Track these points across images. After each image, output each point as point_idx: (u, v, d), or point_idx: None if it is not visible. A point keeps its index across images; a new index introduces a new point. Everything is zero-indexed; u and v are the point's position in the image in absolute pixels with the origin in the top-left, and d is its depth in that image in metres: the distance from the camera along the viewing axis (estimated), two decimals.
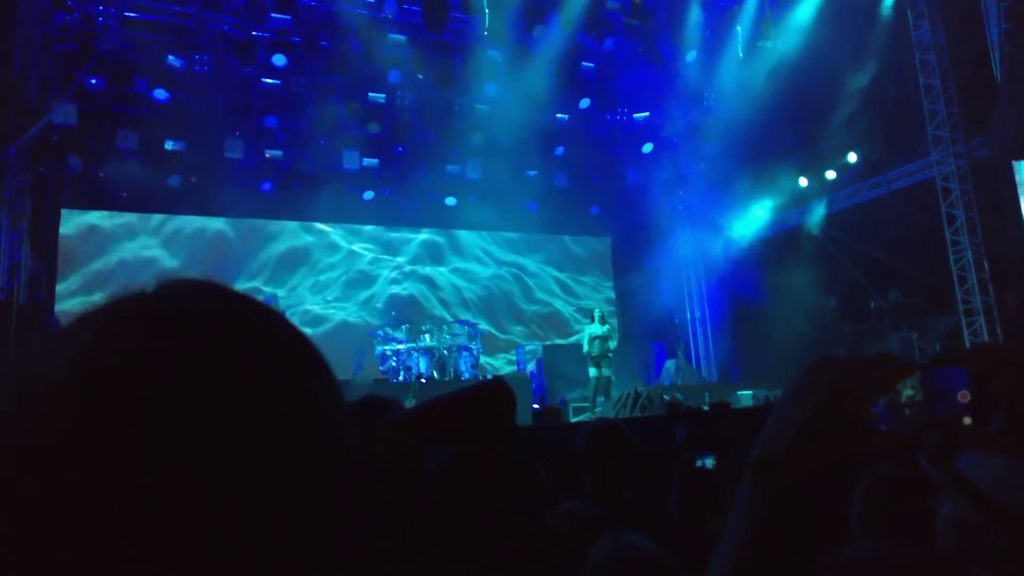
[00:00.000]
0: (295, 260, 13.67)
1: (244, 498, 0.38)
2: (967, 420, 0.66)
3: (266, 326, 0.45)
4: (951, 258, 11.37)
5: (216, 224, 13.26)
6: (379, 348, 12.08)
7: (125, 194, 12.36)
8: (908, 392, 0.67)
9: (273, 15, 11.15)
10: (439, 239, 14.95)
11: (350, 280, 13.89)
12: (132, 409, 0.37)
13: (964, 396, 0.66)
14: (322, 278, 13.73)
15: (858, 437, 0.65)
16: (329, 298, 13.61)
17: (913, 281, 11.77)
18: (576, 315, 15.34)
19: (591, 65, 12.74)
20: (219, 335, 0.42)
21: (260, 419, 0.40)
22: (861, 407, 0.65)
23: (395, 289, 14.28)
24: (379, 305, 13.62)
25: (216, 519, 0.37)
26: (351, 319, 13.59)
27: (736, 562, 0.66)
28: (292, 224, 13.74)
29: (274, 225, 13.63)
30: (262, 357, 0.43)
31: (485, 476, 0.97)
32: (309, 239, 13.87)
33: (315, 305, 13.52)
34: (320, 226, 13.98)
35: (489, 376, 13.00)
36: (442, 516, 0.96)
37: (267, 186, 12.85)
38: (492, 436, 0.97)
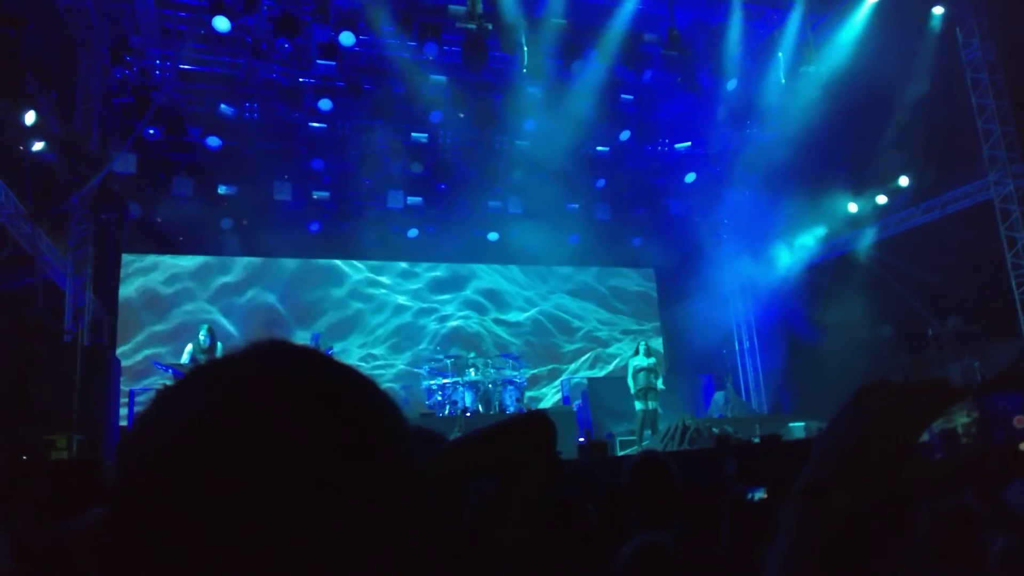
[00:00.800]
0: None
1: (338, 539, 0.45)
2: (1023, 446, 0.62)
3: (359, 390, 0.52)
4: (1012, 282, 10.94)
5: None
6: (425, 383, 12.18)
7: (181, 238, 12.83)
8: (963, 420, 0.65)
9: (318, 62, 11.52)
10: (480, 274, 15.05)
11: (398, 339, 13.99)
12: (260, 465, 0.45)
13: (1020, 421, 0.63)
14: (370, 338, 13.92)
15: (908, 465, 0.63)
16: (377, 354, 13.76)
17: (973, 307, 11.34)
18: (621, 348, 15.19)
19: (630, 97, 12.76)
20: (324, 401, 0.49)
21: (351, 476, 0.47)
22: (910, 434, 0.64)
23: (440, 327, 14.39)
24: (426, 349, 13.74)
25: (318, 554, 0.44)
26: (400, 366, 13.77)
27: None
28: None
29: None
30: (353, 424, 0.49)
31: (527, 507, 1.00)
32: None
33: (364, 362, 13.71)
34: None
35: (533, 409, 12.96)
36: (486, 547, 0.99)
37: (315, 226, 13.18)
38: (533, 467, 1.01)
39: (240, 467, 0.44)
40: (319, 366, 0.51)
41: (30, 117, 9.66)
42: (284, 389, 0.48)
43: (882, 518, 0.63)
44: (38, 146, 10.16)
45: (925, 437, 0.65)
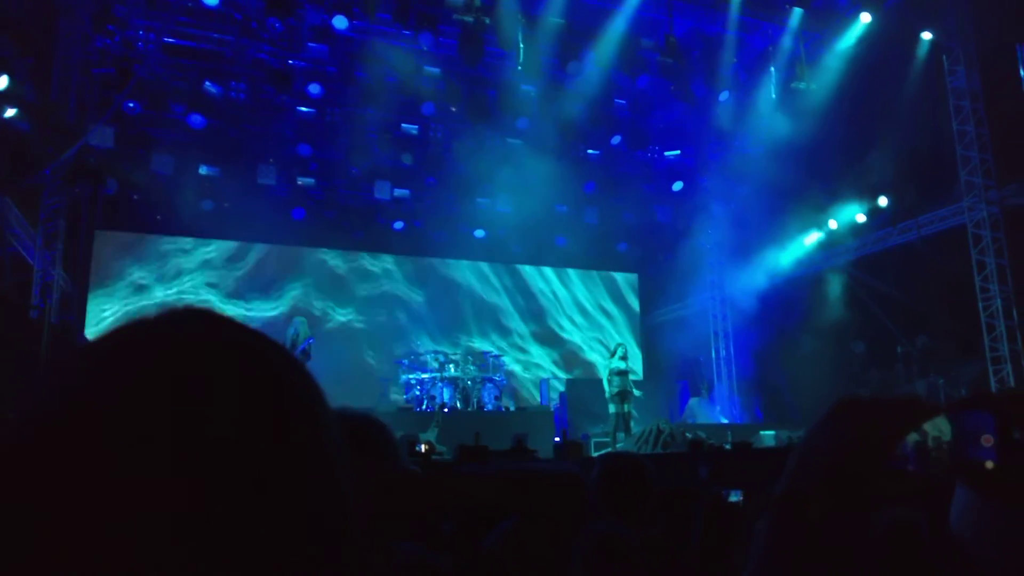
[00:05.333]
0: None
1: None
2: (989, 465, 0.65)
3: (253, 353, 0.51)
4: (980, 305, 11.32)
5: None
6: (404, 377, 12.10)
7: (159, 217, 12.46)
8: (936, 435, 0.66)
9: (310, 45, 11.27)
10: (467, 270, 14.98)
11: (378, 332, 13.81)
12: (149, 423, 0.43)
13: (988, 440, 0.66)
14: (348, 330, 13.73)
15: (883, 478, 0.66)
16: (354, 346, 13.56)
17: (942, 327, 11.72)
18: (601, 350, 15.31)
19: (624, 102, 12.79)
20: (219, 361, 0.48)
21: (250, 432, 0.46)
22: (885, 448, 0.66)
23: (423, 318, 14.29)
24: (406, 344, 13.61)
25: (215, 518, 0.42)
26: (377, 348, 13.59)
27: None
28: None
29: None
30: (251, 385, 0.48)
31: (547, 546, 1.08)
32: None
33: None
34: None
35: (512, 409, 12.97)
36: (502, 571, 1.06)
37: (299, 213, 12.93)
38: (561, 518, 1.08)
39: (120, 431, 0.43)
40: (226, 330, 0.50)
41: (3, 82, 9.27)
42: (188, 350, 0.47)
43: (843, 523, 0.67)
44: (10, 113, 9.75)
45: (899, 451, 0.68)
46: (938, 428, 0.66)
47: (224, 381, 0.46)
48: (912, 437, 0.66)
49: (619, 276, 16.19)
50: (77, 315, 11.54)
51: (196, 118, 11.46)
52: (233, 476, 0.44)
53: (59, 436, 0.43)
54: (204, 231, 12.70)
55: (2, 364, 7.69)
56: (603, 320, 15.91)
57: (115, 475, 0.41)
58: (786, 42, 11.84)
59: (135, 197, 12.02)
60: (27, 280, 10.57)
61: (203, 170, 11.94)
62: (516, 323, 15.14)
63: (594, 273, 15.95)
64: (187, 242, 13.07)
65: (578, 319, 15.70)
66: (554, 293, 15.63)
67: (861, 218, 12.74)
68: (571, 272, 15.75)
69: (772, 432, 10.81)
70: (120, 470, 0.42)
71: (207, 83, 11.42)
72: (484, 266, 15.05)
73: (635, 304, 16.29)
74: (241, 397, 0.46)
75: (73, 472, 0.41)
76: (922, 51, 11.80)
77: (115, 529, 0.41)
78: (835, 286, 12.77)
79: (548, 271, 15.56)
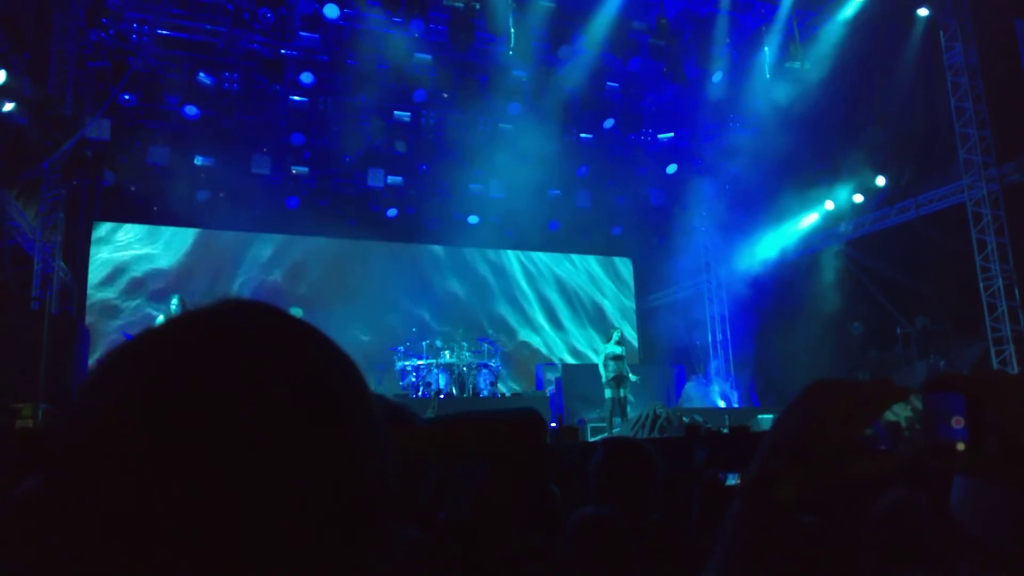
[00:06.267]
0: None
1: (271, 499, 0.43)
2: (960, 446, 0.66)
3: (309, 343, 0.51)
4: (981, 284, 11.13)
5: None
6: (399, 364, 12.16)
7: (156, 208, 12.60)
8: (908, 415, 0.67)
9: (302, 33, 11.32)
10: (461, 257, 15.01)
11: (375, 320, 13.81)
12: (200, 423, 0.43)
13: (958, 422, 0.67)
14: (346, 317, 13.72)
15: (853, 459, 0.66)
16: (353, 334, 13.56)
17: (941, 308, 11.55)
18: (595, 335, 15.28)
19: (616, 85, 12.73)
20: (277, 353, 0.48)
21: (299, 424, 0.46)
22: (854, 430, 0.67)
23: (418, 305, 14.34)
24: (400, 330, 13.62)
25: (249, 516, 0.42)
26: (370, 336, 13.64)
27: None
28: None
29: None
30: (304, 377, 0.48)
31: (512, 498, 1.03)
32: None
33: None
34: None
35: (508, 394, 13.01)
36: (465, 532, 1.02)
37: (293, 202, 13.01)
38: (523, 462, 1.04)
39: (193, 426, 0.43)
40: (282, 321, 0.51)
41: (0, 77, 9.39)
42: (245, 342, 0.48)
43: (833, 511, 0.66)
44: (8, 107, 9.89)
45: (870, 431, 0.68)
46: (911, 410, 0.67)
47: (286, 373, 0.47)
48: (885, 418, 0.67)
49: (614, 260, 16.15)
50: (76, 306, 11.71)
51: (190, 109, 11.57)
52: (295, 462, 0.45)
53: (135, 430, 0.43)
54: (200, 221, 12.82)
55: (5, 355, 7.81)
56: (597, 305, 15.88)
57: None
58: (779, 21, 11.71)
59: (132, 188, 12.16)
60: (27, 272, 10.73)
61: (198, 160, 12.07)
62: (510, 309, 15.16)
63: (588, 257, 15.91)
64: (185, 231, 13.22)
65: (571, 304, 15.68)
66: (547, 278, 15.61)
67: (858, 198, 12.58)
68: (563, 257, 15.73)
69: (770, 416, 10.74)
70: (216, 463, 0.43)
71: (200, 74, 11.53)
72: (477, 252, 15.07)
73: (630, 288, 16.23)
74: (298, 387, 0.47)
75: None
76: (918, 27, 11.61)
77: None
78: (832, 267, 12.64)
79: (541, 256, 15.54)
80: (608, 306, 15.96)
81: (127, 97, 11.31)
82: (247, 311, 0.51)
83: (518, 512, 1.05)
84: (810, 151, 12.24)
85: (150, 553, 0.40)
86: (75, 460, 0.44)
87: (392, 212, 13.60)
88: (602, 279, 16.07)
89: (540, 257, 15.57)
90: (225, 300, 0.51)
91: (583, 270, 15.97)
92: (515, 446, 1.05)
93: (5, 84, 9.51)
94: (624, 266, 16.22)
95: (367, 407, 0.51)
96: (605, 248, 15.55)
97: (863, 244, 12.59)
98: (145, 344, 0.48)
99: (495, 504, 1.04)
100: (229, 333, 0.48)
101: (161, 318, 10.04)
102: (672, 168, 13.80)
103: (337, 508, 0.45)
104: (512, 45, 11.25)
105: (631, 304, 16.14)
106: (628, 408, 10.87)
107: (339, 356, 0.52)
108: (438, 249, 14.78)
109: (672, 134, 13.55)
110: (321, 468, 0.45)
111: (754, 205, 13.11)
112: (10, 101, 9.86)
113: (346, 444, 0.48)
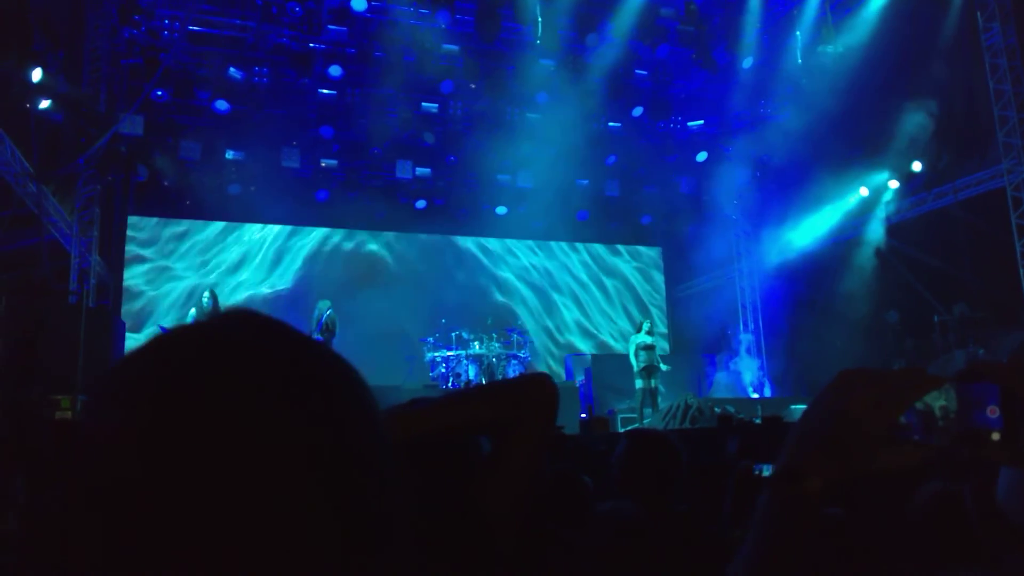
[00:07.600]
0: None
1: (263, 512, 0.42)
2: (995, 436, 0.65)
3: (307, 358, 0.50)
4: (1021, 271, 10.87)
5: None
6: (429, 355, 12.19)
7: (188, 202, 12.76)
8: (942, 404, 0.66)
9: (329, 27, 11.38)
10: (490, 247, 15.00)
11: (407, 312, 13.80)
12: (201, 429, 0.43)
13: (993, 411, 0.65)
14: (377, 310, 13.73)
15: (884, 450, 0.66)
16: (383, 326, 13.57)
17: (980, 294, 11.30)
18: (626, 325, 15.20)
19: (644, 73, 12.61)
20: (269, 368, 0.48)
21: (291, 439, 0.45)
22: (885, 420, 0.66)
23: (447, 296, 14.36)
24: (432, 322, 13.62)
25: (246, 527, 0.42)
26: (399, 327, 13.68)
27: (752, 572, 0.66)
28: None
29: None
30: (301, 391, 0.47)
31: (520, 474, 0.91)
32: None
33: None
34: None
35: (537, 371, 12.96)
36: (473, 517, 0.89)
37: (322, 195, 13.10)
38: (531, 431, 0.91)
39: (194, 438, 0.42)
40: (284, 336, 0.50)
41: (37, 75, 9.55)
42: (246, 356, 0.47)
43: (865, 503, 0.65)
44: (44, 104, 10.08)
45: (903, 420, 0.67)
46: (945, 399, 0.66)
47: (284, 387, 0.47)
48: (918, 407, 0.66)
49: (643, 249, 16.03)
50: (112, 300, 11.92)
51: (221, 104, 11.71)
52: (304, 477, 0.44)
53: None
54: (231, 215, 12.97)
55: (46, 348, 7.96)
56: (627, 294, 15.78)
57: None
58: (811, 3, 11.50)
59: (165, 183, 12.33)
60: (64, 266, 10.94)
61: (229, 155, 12.20)
62: (539, 299, 15.13)
63: (618, 247, 15.81)
64: (217, 225, 13.38)
65: (601, 294, 15.61)
66: (577, 268, 15.56)
67: (894, 184, 12.34)
68: (592, 247, 15.64)
69: (803, 406, 10.57)
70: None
71: (231, 69, 11.64)
72: (506, 242, 15.05)
73: (660, 277, 16.11)
74: (300, 402, 0.46)
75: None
76: (955, 7, 11.34)
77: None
78: (867, 254, 12.41)
79: (569, 246, 15.47)
80: (638, 296, 15.86)
81: (159, 93, 11.46)
82: (249, 325, 0.50)
83: (526, 487, 0.96)
84: (843, 137, 12.02)
85: (149, 566, 0.40)
86: (76, 473, 0.44)
87: (420, 203, 13.63)
88: (631, 269, 15.98)
89: (568, 247, 15.51)
90: (229, 313, 0.51)
91: (612, 260, 15.89)
92: (522, 411, 0.96)
93: (41, 82, 9.69)
94: (654, 255, 16.11)
95: (372, 420, 0.50)
96: (634, 237, 15.46)
97: (899, 230, 12.35)
98: (149, 357, 0.48)
99: (500, 478, 0.95)
100: (230, 350, 0.48)
101: (194, 312, 10.17)
102: (702, 156, 13.64)
103: (341, 523, 0.44)
104: (539, 34, 11.21)
105: (661, 293, 16.03)
106: (659, 398, 10.81)
107: (343, 369, 0.51)
108: (467, 240, 14.79)
109: (702, 121, 13.38)
110: (323, 482, 0.44)
111: (786, 192, 12.92)
112: (46, 99, 10.05)
113: (349, 456, 0.47)
